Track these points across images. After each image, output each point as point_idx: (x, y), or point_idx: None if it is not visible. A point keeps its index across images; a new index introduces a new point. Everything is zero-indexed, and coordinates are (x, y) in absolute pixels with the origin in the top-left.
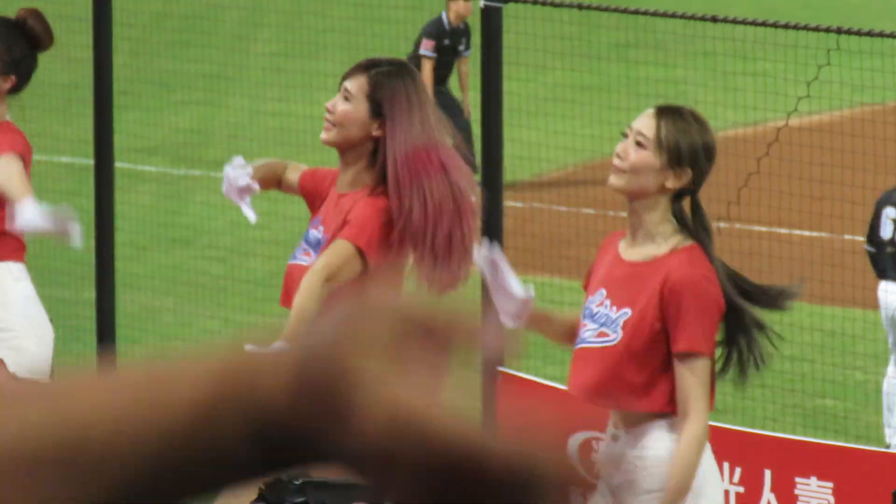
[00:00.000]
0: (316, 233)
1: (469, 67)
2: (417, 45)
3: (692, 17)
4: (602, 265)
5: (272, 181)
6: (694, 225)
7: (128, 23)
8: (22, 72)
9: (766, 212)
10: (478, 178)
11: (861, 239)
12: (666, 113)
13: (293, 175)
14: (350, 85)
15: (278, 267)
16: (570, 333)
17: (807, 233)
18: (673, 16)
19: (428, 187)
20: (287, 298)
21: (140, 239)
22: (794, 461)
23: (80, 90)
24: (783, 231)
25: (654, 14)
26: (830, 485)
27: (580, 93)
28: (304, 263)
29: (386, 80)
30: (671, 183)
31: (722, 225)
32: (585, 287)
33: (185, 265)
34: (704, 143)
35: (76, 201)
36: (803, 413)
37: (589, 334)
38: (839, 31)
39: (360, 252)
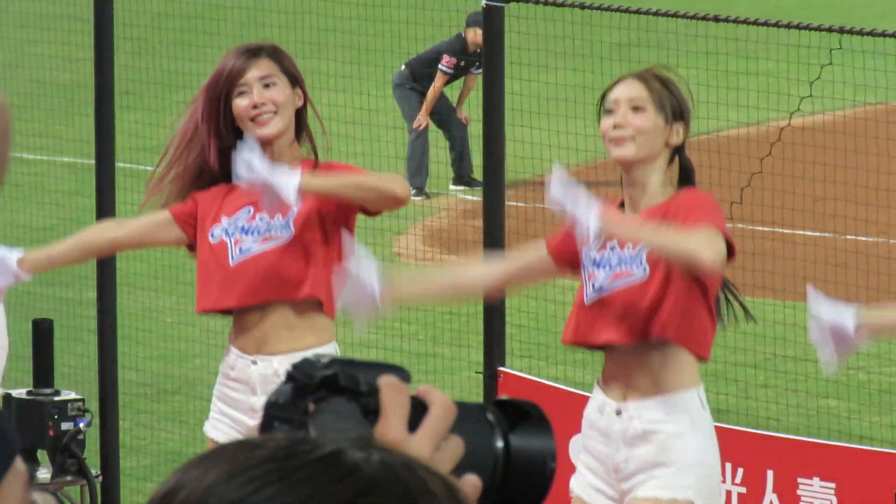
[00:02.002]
0: (258, 223)
1: (474, 85)
2: (435, 53)
3: (694, 17)
4: None
5: (88, 253)
6: (688, 180)
7: (129, 23)
8: None
9: (768, 212)
10: (479, 178)
11: (864, 238)
12: (646, 75)
13: (157, 225)
14: (261, 72)
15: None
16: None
17: (809, 233)
18: (675, 15)
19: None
20: (266, 289)
21: None
22: (796, 462)
23: (81, 90)
24: (786, 231)
25: (657, 14)
26: (833, 485)
27: (582, 93)
28: (275, 245)
29: (279, 52)
30: (674, 139)
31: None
32: (554, 249)
33: (187, 265)
34: (685, 93)
35: (78, 201)
36: (806, 413)
37: (603, 281)
38: (842, 30)
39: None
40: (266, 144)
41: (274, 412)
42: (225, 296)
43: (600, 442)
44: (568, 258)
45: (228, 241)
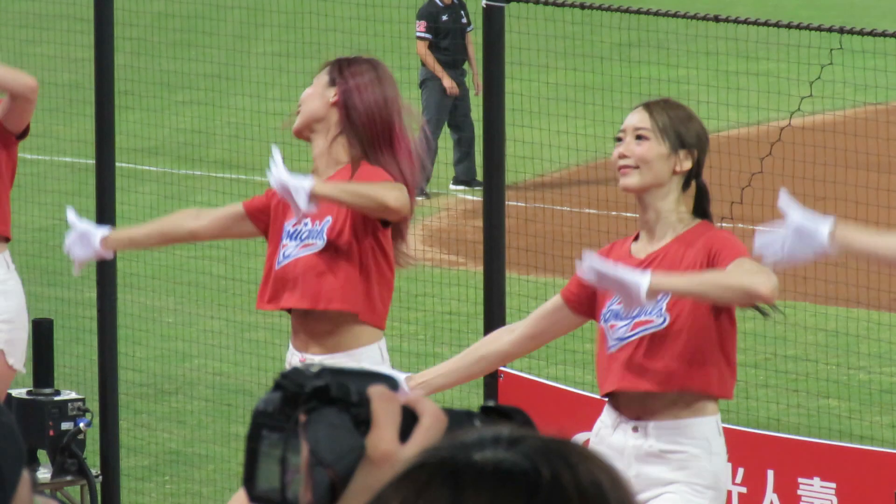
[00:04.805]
0: (302, 227)
1: (473, 47)
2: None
3: (695, 17)
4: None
5: (167, 238)
6: (703, 208)
7: (130, 22)
8: None
9: (769, 212)
10: (480, 178)
11: None
12: (653, 105)
13: (231, 217)
14: (317, 76)
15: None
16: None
17: None
18: (675, 15)
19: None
20: (297, 294)
21: None
22: (797, 461)
23: (81, 90)
24: None
25: (657, 14)
26: (833, 485)
27: (582, 92)
28: (310, 253)
29: (347, 63)
30: (680, 166)
31: (725, 225)
32: (570, 299)
33: (186, 265)
34: (698, 122)
35: (78, 201)
36: (807, 413)
37: (623, 331)
38: (842, 30)
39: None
40: (310, 139)
41: (263, 420)
42: (273, 298)
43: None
44: (586, 306)
45: (279, 245)
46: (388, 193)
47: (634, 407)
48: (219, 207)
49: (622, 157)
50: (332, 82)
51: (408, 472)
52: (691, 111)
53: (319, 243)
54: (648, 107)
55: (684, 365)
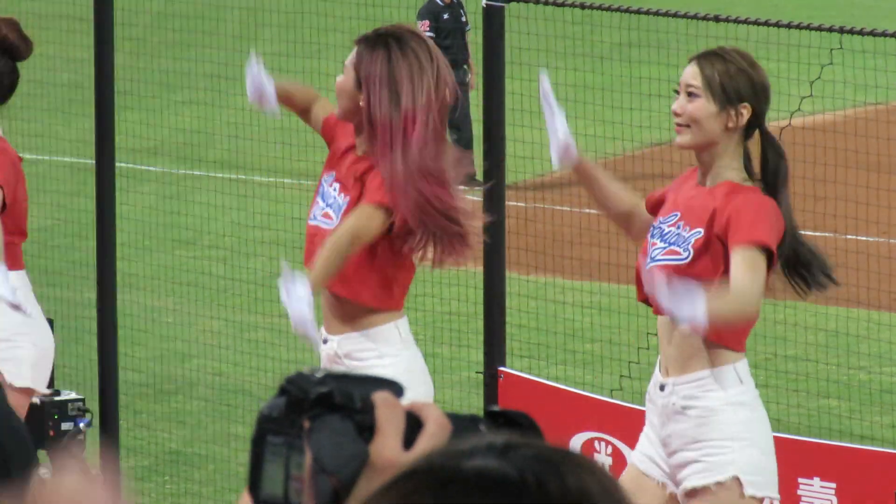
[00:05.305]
0: (332, 192)
1: (470, 40)
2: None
3: (695, 17)
4: (678, 192)
5: (296, 103)
6: (765, 161)
7: (129, 22)
8: (4, 85)
9: None
10: (479, 178)
11: (864, 238)
12: (707, 57)
13: (319, 111)
14: (347, 57)
15: (279, 268)
16: (611, 200)
17: (810, 233)
18: (675, 15)
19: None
20: (311, 258)
21: (141, 239)
22: (797, 461)
23: (81, 90)
24: None
25: (657, 14)
26: (833, 485)
27: (582, 92)
28: (325, 227)
29: (366, 51)
30: (733, 122)
31: None
32: (651, 206)
33: (186, 265)
34: (753, 72)
35: (77, 201)
36: (807, 413)
37: (657, 252)
38: (842, 30)
39: (385, 208)
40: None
41: (267, 425)
42: (307, 256)
43: (655, 414)
44: (652, 209)
45: (317, 195)
46: (348, 237)
47: (663, 359)
48: (317, 96)
49: (675, 114)
50: (359, 85)
51: (397, 479)
52: (748, 61)
53: (335, 219)
54: (700, 60)
55: None
